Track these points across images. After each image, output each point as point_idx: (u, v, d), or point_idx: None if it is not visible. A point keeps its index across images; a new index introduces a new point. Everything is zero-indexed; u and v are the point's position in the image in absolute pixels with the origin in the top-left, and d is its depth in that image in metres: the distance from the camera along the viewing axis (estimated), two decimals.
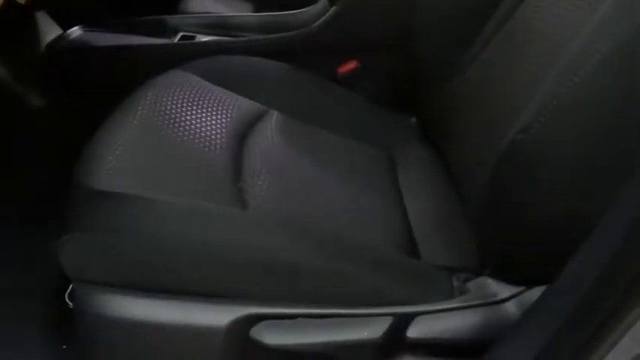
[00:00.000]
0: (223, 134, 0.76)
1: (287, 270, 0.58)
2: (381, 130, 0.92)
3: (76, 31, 1.12)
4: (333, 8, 0.97)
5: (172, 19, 1.14)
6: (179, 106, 0.77)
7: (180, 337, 0.58)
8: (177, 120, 0.74)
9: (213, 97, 0.82)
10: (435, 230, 0.74)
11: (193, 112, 0.77)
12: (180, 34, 1.11)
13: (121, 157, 0.65)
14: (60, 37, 1.11)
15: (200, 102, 0.79)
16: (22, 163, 1.07)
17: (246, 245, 0.58)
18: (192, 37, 1.10)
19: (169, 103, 0.76)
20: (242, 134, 0.79)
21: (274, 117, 0.84)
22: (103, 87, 1.05)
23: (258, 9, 1.30)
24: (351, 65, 0.98)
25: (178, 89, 0.80)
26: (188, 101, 0.78)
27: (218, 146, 0.73)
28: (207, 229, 0.59)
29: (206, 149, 0.72)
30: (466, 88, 0.76)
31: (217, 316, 0.56)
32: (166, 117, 0.74)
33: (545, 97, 0.50)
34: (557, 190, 0.52)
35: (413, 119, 0.95)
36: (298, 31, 1.01)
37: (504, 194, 0.56)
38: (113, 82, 1.03)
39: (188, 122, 0.74)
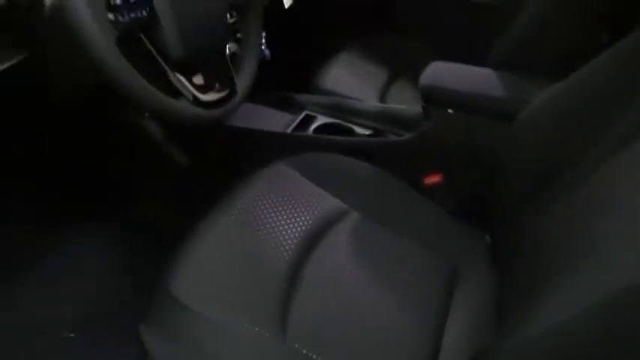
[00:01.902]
0: (301, 234, 0.85)
1: None
2: (452, 242, 0.95)
3: None
4: (429, 122, 1.03)
5: (300, 97, 1.29)
6: (271, 205, 0.87)
7: None
8: (265, 221, 0.85)
9: (303, 195, 0.91)
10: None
11: (282, 211, 0.87)
12: (305, 112, 1.25)
13: (206, 266, 0.78)
14: None
15: (291, 200, 0.89)
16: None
17: None
18: (315, 117, 1.24)
19: (263, 201, 0.88)
20: (319, 233, 0.88)
21: (354, 218, 0.92)
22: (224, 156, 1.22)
23: (391, 78, 1.41)
24: (436, 178, 1.03)
25: (275, 186, 0.92)
26: (281, 200, 0.88)
27: (290, 250, 0.83)
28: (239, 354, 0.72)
29: (278, 256, 0.81)
30: (544, 225, 0.77)
31: None
32: (257, 216, 0.85)
33: None
34: None
35: (487, 238, 0.97)
36: (398, 138, 1.08)
37: None
38: (231, 154, 1.22)
39: (274, 223, 0.85)
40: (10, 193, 1.13)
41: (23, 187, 1.18)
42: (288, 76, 1.35)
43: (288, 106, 1.28)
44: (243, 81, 0.87)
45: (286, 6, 1.47)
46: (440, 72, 1.04)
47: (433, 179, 1.03)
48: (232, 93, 0.83)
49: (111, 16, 0.65)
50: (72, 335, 1.04)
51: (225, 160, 1.28)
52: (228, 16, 0.83)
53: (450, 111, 1.00)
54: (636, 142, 0.60)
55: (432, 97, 1.02)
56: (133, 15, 0.68)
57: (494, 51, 1.09)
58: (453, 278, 0.88)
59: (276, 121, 1.23)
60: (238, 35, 0.89)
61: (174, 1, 0.71)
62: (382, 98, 1.35)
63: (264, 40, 1.23)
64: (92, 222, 1.24)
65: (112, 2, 0.65)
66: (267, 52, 1.18)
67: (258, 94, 1.30)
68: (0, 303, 1.09)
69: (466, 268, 0.90)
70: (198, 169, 1.30)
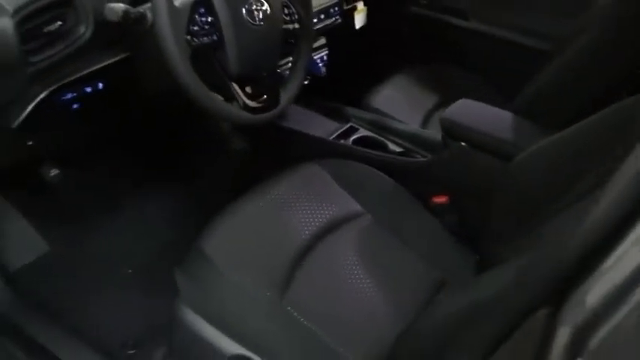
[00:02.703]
0: (318, 224, 1.04)
1: None
2: (446, 256, 1.09)
3: None
4: (445, 151, 1.19)
5: (348, 110, 1.48)
6: (300, 196, 1.06)
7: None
8: (291, 208, 1.04)
9: (328, 194, 1.09)
10: None
11: (306, 203, 1.05)
12: (350, 124, 1.44)
13: (233, 233, 0.98)
14: None
15: (316, 196, 1.08)
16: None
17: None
18: (357, 129, 1.43)
19: (294, 192, 1.07)
20: (334, 226, 1.06)
21: (366, 220, 1.10)
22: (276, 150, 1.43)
23: (438, 104, 1.57)
24: (443, 199, 1.18)
25: (307, 182, 1.11)
26: (308, 195, 1.07)
27: (305, 235, 1.03)
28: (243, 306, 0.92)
29: (295, 238, 0.99)
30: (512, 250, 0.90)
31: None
32: (286, 203, 1.05)
33: None
34: None
35: (477, 257, 1.11)
36: (417, 160, 1.25)
37: None
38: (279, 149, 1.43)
39: (297, 212, 1.04)
40: (104, 161, 1.43)
41: (114, 156, 1.47)
42: (342, 90, 1.55)
43: (336, 115, 1.48)
44: (286, 94, 1.07)
45: (357, 27, 1.66)
46: (463, 109, 1.19)
47: (440, 200, 1.19)
48: (275, 103, 1.04)
49: (188, 37, 0.89)
50: (130, 271, 1.31)
51: (274, 152, 1.50)
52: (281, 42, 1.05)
53: (462, 144, 1.15)
54: (594, 192, 0.72)
55: (450, 130, 1.17)
56: (204, 39, 0.90)
57: (521, 94, 1.23)
58: (439, 287, 1.02)
59: (322, 127, 1.43)
60: (289, 58, 1.10)
61: (238, 31, 0.92)
62: (425, 122, 1.51)
63: (324, 58, 1.43)
64: (163, 188, 1.51)
65: (190, 28, 0.89)
66: (323, 69, 1.38)
67: (312, 102, 1.52)
68: (85, 240, 1.37)
69: (453, 279, 1.04)
70: (253, 157, 1.54)
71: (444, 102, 1.56)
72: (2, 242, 1.22)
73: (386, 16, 1.74)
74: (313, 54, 1.40)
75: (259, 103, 1.00)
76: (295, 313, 0.90)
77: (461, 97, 1.24)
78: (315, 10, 1.29)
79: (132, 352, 1.16)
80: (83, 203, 1.39)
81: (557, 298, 0.40)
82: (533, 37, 1.56)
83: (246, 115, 0.98)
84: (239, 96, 0.97)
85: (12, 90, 0.85)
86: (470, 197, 1.17)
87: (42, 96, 0.87)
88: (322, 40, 1.46)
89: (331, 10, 1.37)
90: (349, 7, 1.56)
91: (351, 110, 1.48)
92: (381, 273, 1.00)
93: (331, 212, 1.06)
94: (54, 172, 1.12)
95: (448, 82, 1.65)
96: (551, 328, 0.39)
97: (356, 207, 1.10)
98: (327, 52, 1.44)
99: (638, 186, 0.39)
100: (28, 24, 0.79)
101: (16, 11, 0.76)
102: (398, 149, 1.36)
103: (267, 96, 1.02)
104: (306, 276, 0.96)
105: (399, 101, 1.55)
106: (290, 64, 1.11)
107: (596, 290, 0.37)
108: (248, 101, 0.98)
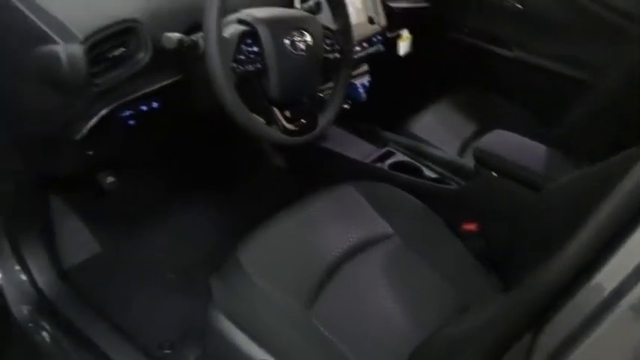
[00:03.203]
0: (348, 243, 1.09)
1: None
2: (472, 283, 1.12)
3: None
4: (477, 179, 1.22)
5: (387, 134, 1.53)
6: (333, 216, 1.12)
7: None
8: (324, 227, 1.09)
9: (361, 215, 1.14)
10: None
11: (339, 223, 1.11)
12: (387, 148, 1.49)
13: (268, 246, 1.04)
14: None
15: (349, 216, 1.13)
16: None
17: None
18: (394, 153, 1.48)
19: (328, 211, 1.13)
20: (363, 246, 1.09)
21: (396, 243, 1.13)
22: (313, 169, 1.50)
23: (477, 132, 1.59)
24: (472, 226, 1.21)
25: (341, 203, 1.16)
26: (341, 215, 1.13)
27: (335, 253, 1.07)
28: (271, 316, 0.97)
29: (325, 254, 1.04)
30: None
31: None
32: (319, 221, 1.11)
33: None
34: None
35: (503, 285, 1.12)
36: (449, 187, 1.28)
37: None
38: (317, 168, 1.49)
39: (330, 230, 1.09)
40: (156, 171, 1.54)
41: (165, 167, 1.58)
42: (382, 114, 1.60)
43: (374, 139, 1.54)
44: (324, 119, 1.13)
45: (401, 54, 1.71)
46: (496, 139, 1.23)
47: (470, 227, 1.22)
48: (313, 127, 1.11)
49: (234, 65, 0.97)
50: (172, 276, 1.40)
51: (312, 171, 1.57)
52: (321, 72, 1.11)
53: (494, 173, 1.18)
54: None
55: (482, 159, 1.21)
56: (249, 66, 0.98)
57: (556, 125, 1.25)
58: (462, 310, 1.03)
59: (360, 149, 1.49)
60: (330, 83, 1.17)
61: (281, 60, 1.00)
62: (462, 150, 1.54)
63: (366, 83, 1.50)
64: (207, 199, 1.61)
65: (236, 56, 0.97)
66: (363, 95, 1.44)
67: (351, 124, 1.58)
68: (134, 243, 1.47)
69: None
70: (292, 174, 1.62)
71: (483, 130, 1.59)
72: (60, 241, 1.33)
73: (429, 43, 1.79)
74: (355, 79, 1.46)
75: (297, 126, 1.07)
76: (320, 327, 0.95)
77: (500, 126, 1.27)
78: (358, 38, 1.36)
79: (168, 352, 1.24)
80: (134, 209, 1.50)
81: (537, 326, 0.44)
82: (574, 66, 1.57)
83: (283, 138, 1.05)
84: (278, 119, 1.04)
85: (78, 108, 0.95)
86: (499, 226, 1.19)
87: (103, 113, 0.97)
88: (365, 67, 1.52)
89: (374, 39, 1.43)
90: (393, 35, 1.62)
91: (389, 134, 1.54)
92: (406, 294, 1.04)
93: (362, 233, 1.11)
94: (110, 179, 1.22)
95: (488, 109, 1.68)
96: (530, 355, 0.43)
97: (387, 229, 1.14)
98: (369, 78, 1.50)
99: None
100: (95, 50, 0.89)
101: (86, 38, 0.87)
102: (433, 175, 1.40)
103: (305, 120, 1.09)
104: (334, 292, 1.00)
105: (438, 128, 1.59)
106: (330, 89, 1.18)
107: (568, 319, 0.41)
108: (287, 124, 1.05)
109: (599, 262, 0.48)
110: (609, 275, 0.47)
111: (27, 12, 0.87)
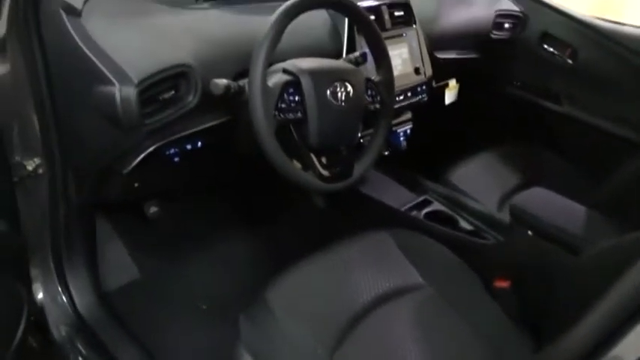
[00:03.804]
0: (377, 291, 1.09)
1: None
2: (504, 343, 1.08)
3: None
4: (512, 236, 1.20)
5: (426, 183, 1.54)
6: (365, 262, 1.12)
7: None
8: (354, 272, 1.10)
9: (392, 263, 1.14)
10: None
11: (369, 269, 1.11)
12: (425, 197, 1.50)
13: (297, 288, 1.05)
14: None
15: (381, 263, 1.13)
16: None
17: None
18: (431, 202, 1.48)
19: (360, 257, 1.13)
20: (392, 295, 1.09)
21: (426, 294, 1.12)
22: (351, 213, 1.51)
23: (519, 186, 1.57)
24: (505, 284, 1.18)
25: (373, 249, 1.16)
26: (372, 261, 1.13)
27: (364, 300, 1.07)
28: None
29: (353, 301, 1.04)
30: None
31: None
32: (351, 267, 1.11)
33: None
34: None
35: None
36: (484, 242, 1.27)
37: None
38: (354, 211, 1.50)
39: (360, 276, 1.09)
40: (198, 204, 1.60)
41: (207, 201, 1.64)
42: (423, 162, 1.61)
43: (413, 186, 1.55)
44: (360, 167, 1.15)
45: (446, 103, 1.72)
46: (534, 198, 1.21)
47: (503, 284, 1.19)
48: (348, 174, 1.13)
49: (275, 113, 1.01)
50: (204, 307, 1.44)
51: (349, 214, 1.58)
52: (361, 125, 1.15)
53: (529, 232, 1.16)
54: None
55: (518, 217, 1.19)
56: (290, 115, 1.02)
57: (600, 186, 1.22)
58: None
59: (397, 196, 1.50)
60: (369, 131, 1.19)
61: (321, 110, 1.03)
62: (501, 204, 1.52)
63: (407, 132, 1.51)
64: (244, 233, 1.65)
65: (278, 105, 1.01)
66: (404, 143, 1.46)
67: (391, 170, 1.59)
68: (171, 272, 1.52)
69: None
70: (330, 216, 1.64)
71: (524, 184, 1.57)
72: (102, 264, 1.39)
73: (476, 93, 1.80)
74: (397, 127, 1.48)
75: (333, 173, 1.09)
76: None
77: (543, 182, 1.25)
78: (402, 88, 1.39)
79: None
80: (175, 239, 1.56)
81: None
82: (625, 127, 1.54)
83: (318, 184, 1.08)
84: (314, 166, 1.07)
85: (128, 144, 1.02)
86: (533, 286, 1.17)
87: (150, 150, 1.03)
88: (408, 115, 1.54)
89: (418, 89, 1.45)
90: (440, 84, 1.64)
91: (428, 183, 1.54)
92: (433, 349, 1.02)
93: (392, 281, 1.10)
94: (154, 209, 1.29)
95: (532, 164, 1.66)
96: None
97: (417, 279, 1.13)
98: (411, 126, 1.52)
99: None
100: (148, 92, 0.95)
101: (140, 82, 0.93)
102: (468, 227, 1.39)
103: (341, 167, 1.11)
104: (358, 339, 1.00)
105: (478, 179, 1.58)
106: (369, 137, 1.20)
107: None
108: (322, 171, 1.08)
109: (619, 335, 0.48)
110: (628, 347, 0.47)
111: (89, 54, 0.94)
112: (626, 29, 1.56)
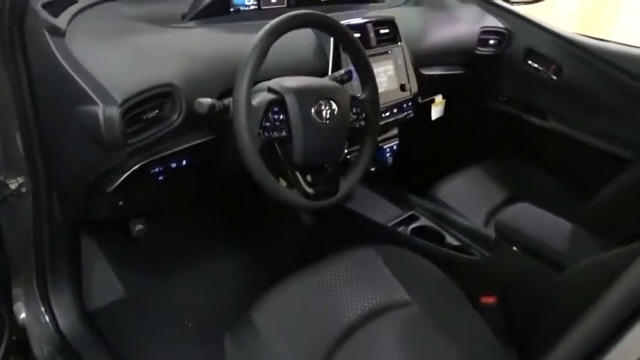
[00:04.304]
0: (363, 308, 1.08)
1: None
2: (489, 358, 1.10)
3: None
4: (497, 252, 1.21)
5: (412, 198, 1.54)
6: (351, 279, 1.12)
7: None
8: (340, 290, 1.10)
9: (378, 280, 1.14)
10: None
11: (356, 286, 1.11)
12: (411, 212, 1.50)
13: (282, 306, 1.05)
14: None
15: (367, 280, 1.13)
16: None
17: None
18: (418, 218, 1.48)
19: (346, 274, 1.13)
20: (379, 312, 1.08)
21: (412, 310, 1.12)
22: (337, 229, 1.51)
23: (504, 202, 1.58)
24: (491, 300, 1.19)
25: (359, 266, 1.16)
26: (358, 278, 1.13)
27: (350, 317, 1.07)
28: None
29: (339, 318, 1.04)
30: None
31: None
32: (336, 284, 1.10)
33: None
34: None
35: None
36: (469, 258, 1.27)
37: None
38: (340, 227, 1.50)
39: (346, 294, 1.09)
40: (183, 221, 1.59)
41: (192, 218, 1.64)
42: (409, 178, 1.61)
43: (400, 202, 1.55)
44: (345, 184, 1.15)
45: (433, 118, 1.74)
46: (519, 214, 1.22)
47: (489, 300, 1.20)
48: (334, 192, 1.13)
49: (260, 131, 1.01)
50: (190, 325, 1.43)
51: (336, 231, 1.58)
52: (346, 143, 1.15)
53: (514, 248, 1.17)
54: None
55: (504, 233, 1.20)
56: (274, 133, 1.02)
57: (586, 203, 1.23)
58: None
59: (384, 212, 1.50)
60: (355, 147, 1.20)
61: (306, 128, 1.03)
62: (488, 219, 1.52)
63: (394, 148, 1.52)
64: (230, 250, 1.64)
65: (263, 124, 1.01)
66: (390, 159, 1.46)
67: (378, 186, 1.59)
68: (156, 290, 1.51)
69: None
70: (316, 231, 1.63)
71: (511, 200, 1.58)
72: (87, 282, 1.38)
73: (463, 109, 1.81)
74: (383, 144, 1.49)
75: (318, 191, 1.09)
76: None
77: (530, 197, 1.26)
78: (388, 105, 1.40)
79: None
80: (161, 256, 1.55)
81: None
82: (611, 142, 1.55)
83: (303, 202, 1.08)
84: (300, 184, 1.07)
85: (112, 162, 1.01)
86: (518, 301, 1.17)
87: (134, 168, 1.03)
88: (395, 131, 1.54)
89: (404, 105, 1.46)
90: (426, 100, 1.65)
91: (415, 198, 1.54)
92: None
93: (378, 298, 1.10)
94: (139, 227, 1.28)
95: (519, 179, 1.67)
96: None
97: (403, 296, 1.13)
98: (397, 142, 1.52)
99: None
100: (131, 112, 0.95)
101: (124, 102, 0.93)
102: (455, 243, 1.39)
103: (326, 185, 1.11)
104: (346, 357, 1.00)
105: (465, 195, 1.58)
106: (355, 153, 1.21)
107: None
108: (308, 189, 1.08)
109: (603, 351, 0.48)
110: None
111: (73, 74, 0.94)
112: (610, 46, 1.58)
